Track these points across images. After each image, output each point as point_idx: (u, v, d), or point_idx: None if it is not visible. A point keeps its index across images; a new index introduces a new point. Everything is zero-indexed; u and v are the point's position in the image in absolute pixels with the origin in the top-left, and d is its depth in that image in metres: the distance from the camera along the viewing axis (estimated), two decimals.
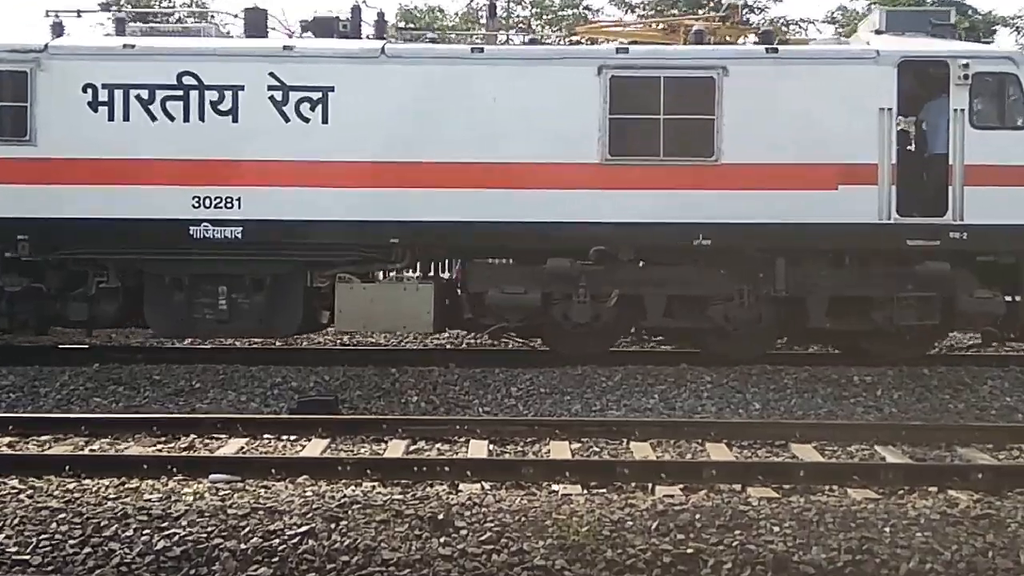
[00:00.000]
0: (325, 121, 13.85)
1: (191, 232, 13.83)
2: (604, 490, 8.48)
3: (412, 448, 10.04)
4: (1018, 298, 14.06)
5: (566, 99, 13.86)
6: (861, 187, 13.83)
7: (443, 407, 11.92)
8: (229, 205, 13.84)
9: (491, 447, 10.05)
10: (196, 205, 13.83)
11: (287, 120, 13.85)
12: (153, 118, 13.84)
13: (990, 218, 13.81)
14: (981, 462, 9.12)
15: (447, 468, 8.88)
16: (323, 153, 13.82)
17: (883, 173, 13.80)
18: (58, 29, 14.59)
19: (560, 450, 9.96)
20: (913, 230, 13.87)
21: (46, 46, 13.92)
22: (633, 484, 8.60)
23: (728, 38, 15.07)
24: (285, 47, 14.01)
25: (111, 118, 13.83)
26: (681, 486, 8.47)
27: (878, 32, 14.70)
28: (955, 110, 13.85)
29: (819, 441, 10.16)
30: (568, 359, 13.90)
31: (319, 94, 13.85)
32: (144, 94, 13.83)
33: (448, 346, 16.33)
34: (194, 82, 13.85)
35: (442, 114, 13.84)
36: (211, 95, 13.86)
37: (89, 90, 13.83)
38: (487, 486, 8.56)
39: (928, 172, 14.04)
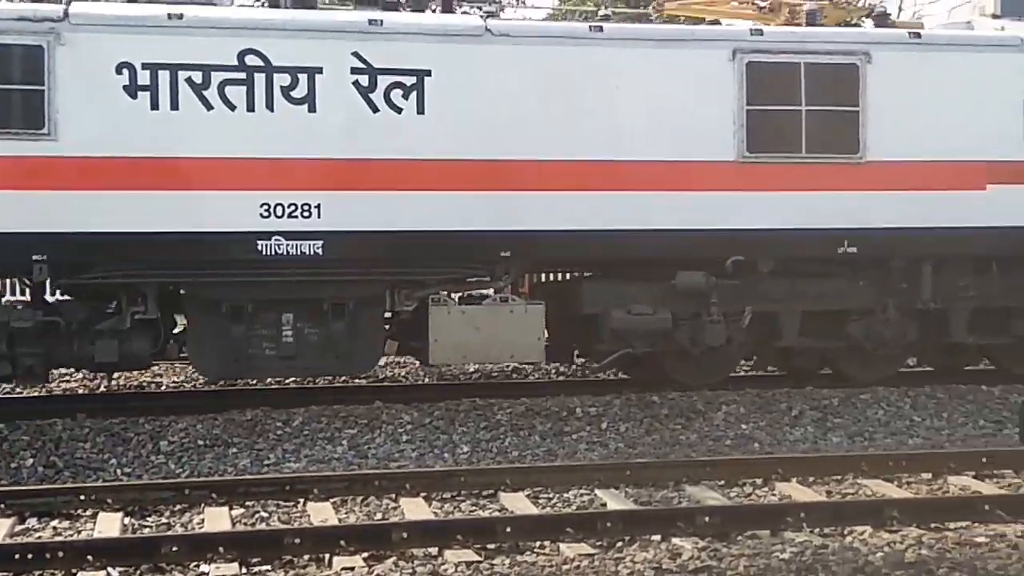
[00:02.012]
0: (421, 111, 11.72)
1: (259, 247, 11.42)
2: (268, 568, 7.10)
3: (19, 528, 8.10)
4: None
5: (697, 87, 12.25)
6: (1010, 187, 12.84)
7: (68, 471, 9.83)
8: (307, 214, 11.51)
9: (127, 521, 8.25)
10: (265, 214, 11.44)
11: (375, 110, 11.65)
12: (209, 107, 11.32)
13: None
14: (710, 503, 8.38)
15: (61, 553, 7.06)
16: (419, 150, 11.70)
17: None
18: None
19: (217, 519, 8.26)
20: None
21: (66, 13, 11.16)
22: (306, 557, 7.23)
23: (837, 20, 13.79)
24: (371, 21, 11.74)
25: (154, 107, 11.22)
26: (365, 555, 7.19)
27: (995, 16, 13.77)
28: None
29: (533, 488, 8.99)
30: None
31: (413, 79, 11.71)
32: (197, 77, 11.30)
33: (82, 390, 13.51)
34: (260, 63, 11.43)
35: (556, 105, 11.96)
36: (281, 79, 11.48)
37: (125, 71, 11.19)
38: (115, 574, 6.96)
39: None
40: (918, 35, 12.91)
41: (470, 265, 12.03)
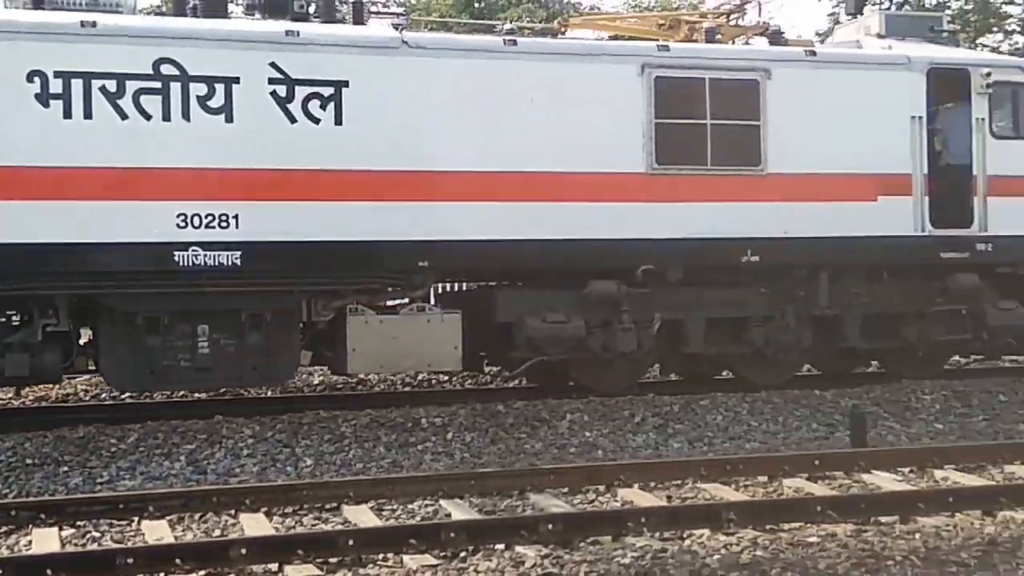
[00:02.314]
0: (339, 122, 11.81)
1: (176, 258, 11.34)
2: None
3: None
4: None
5: (608, 101, 12.62)
6: (898, 198, 13.54)
7: None
8: (224, 224, 11.48)
9: None
10: (182, 225, 11.36)
11: (293, 120, 11.69)
12: (124, 116, 11.22)
13: (1011, 229, 13.93)
14: (554, 510, 8.42)
15: None
16: (337, 160, 11.78)
17: (917, 183, 13.59)
18: None
19: (45, 540, 7.87)
20: (945, 242, 13.74)
21: None
22: None
23: (732, 38, 14.33)
24: (288, 32, 11.79)
25: (67, 115, 11.07)
26: (202, 573, 7.05)
27: (880, 36, 14.51)
28: (977, 119, 13.89)
29: (377, 500, 8.87)
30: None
31: (331, 90, 11.79)
32: (111, 85, 11.18)
33: None
34: (176, 72, 11.37)
35: (472, 116, 12.19)
36: (198, 88, 11.44)
37: (36, 79, 11.01)
38: None
39: (954, 183, 13.94)
40: (813, 53, 13.57)
41: (388, 275, 12.14)
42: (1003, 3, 29.77)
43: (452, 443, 10.93)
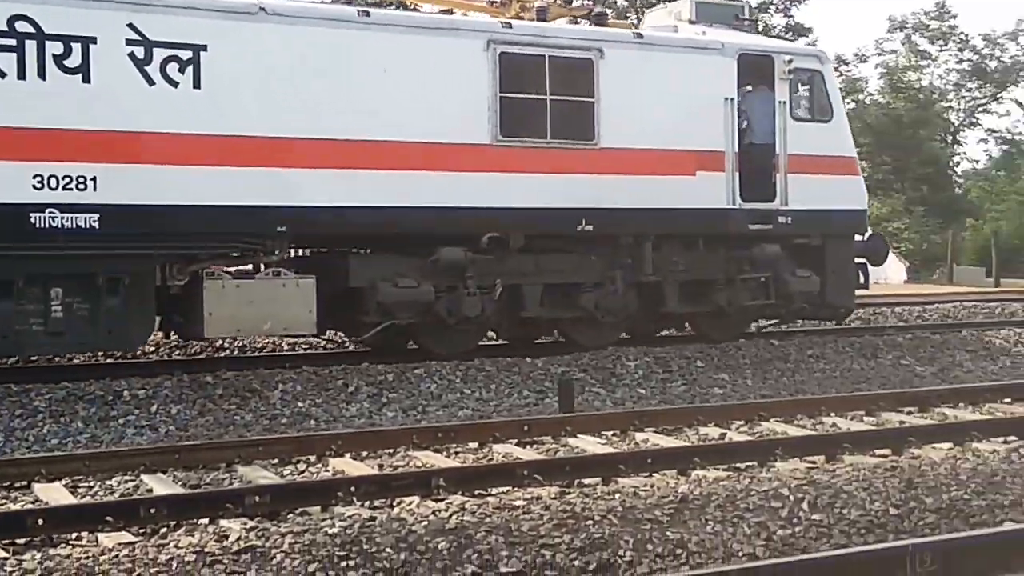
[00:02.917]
0: (197, 86, 11.88)
1: (32, 220, 11.16)
2: None
3: None
4: (818, 276, 15.76)
5: (456, 74, 13.19)
6: (714, 173, 14.74)
7: None
8: (82, 186, 11.37)
9: None
10: (39, 186, 11.19)
11: (152, 83, 11.68)
12: None
13: (806, 204, 15.39)
14: (261, 482, 8.24)
15: None
16: (196, 125, 11.86)
17: (729, 160, 14.83)
18: None
19: None
20: (753, 215, 15.06)
21: None
22: None
23: (559, 17, 15.14)
24: None
25: None
26: None
27: (691, 22, 15.68)
28: (779, 102, 15.26)
29: (72, 477, 8.44)
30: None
31: (189, 53, 11.85)
32: None
33: None
34: (31, 29, 11.16)
35: (327, 85, 12.50)
36: (54, 47, 11.26)
37: None
38: None
39: (760, 161, 15.26)
40: (640, 36, 14.55)
41: (246, 240, 12.31)
42: None
43: (157, 416, 10.61)
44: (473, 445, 9.70)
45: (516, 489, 8.03)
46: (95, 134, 11.44)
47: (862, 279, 16.23)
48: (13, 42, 11.08)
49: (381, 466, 9.01)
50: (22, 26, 11.12)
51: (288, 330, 13.03)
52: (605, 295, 14.35)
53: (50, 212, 11.21)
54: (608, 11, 15.24)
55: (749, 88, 15.23)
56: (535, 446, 9.78)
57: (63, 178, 11.27)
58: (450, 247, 13.24)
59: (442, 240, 13.24)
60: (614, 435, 10.20)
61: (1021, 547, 5.85)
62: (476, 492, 7.98)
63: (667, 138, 14.39)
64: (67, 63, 11.32)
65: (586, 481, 8.31)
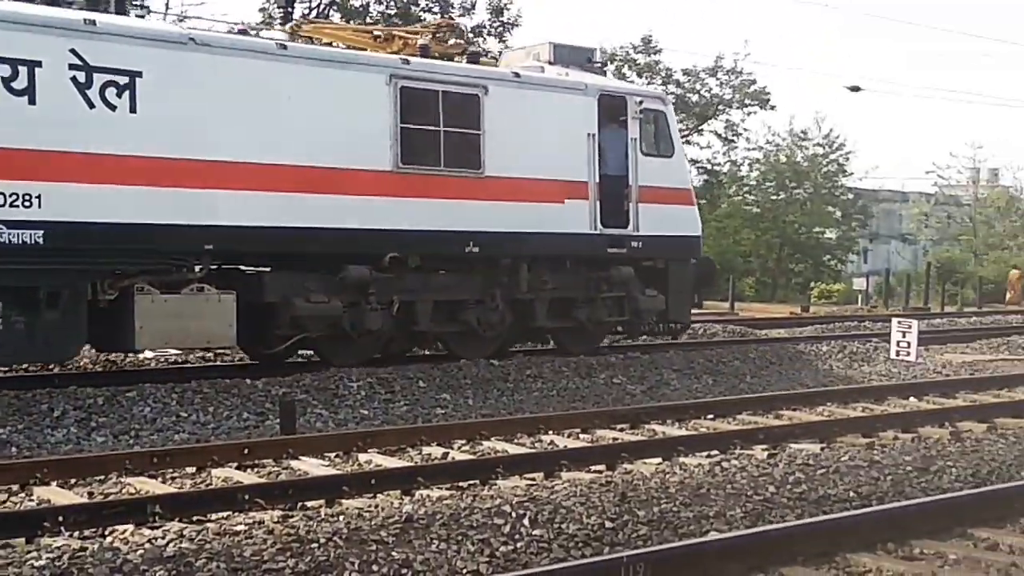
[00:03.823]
0: (133, 110, 12.67)
1: None
2: None
3: None
4: (663, 295, 17.79)
5: (362, 104, 14.42)
6: (579, 202, 16.51)
7: None
8: (28, 203, 11.97)
9: None
10: None
11: (92, 106, 12.40)
12: None
13: (653, 230, 17.37)
14: None
15: None
16: (131, 147, 12.64)
17: (592, 190, 16.64)
18: None
19: None
20: (611, 239, 16.89)
21: None
22: None
23: (441, 55, 16.53)
24: (86, 20, 12.46)
25: None
26: None
27: (550, 63, 17.44)
28: (631, 139, 17.21)
29: None
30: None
31: (126, 79, 12.63)
32: None
33: None
34: None
35: (247, 111, 13.50)
36: (2, 69, 11.85)
37: None
38: None
39: (616, 191, 17.12)
40: (518, 75, 16.16)
41: (174, 257, 13.12)
42: (422, 11, 34.11)
43: None
44: (191, 470, 9.55)
45: (237, 514, 7.94)
46: (40, 153, 12.06)
47: (696, 298, 18.36)
48: None
49: (91, 494, 8.78)
50: None
51: (210, 343, 13.87)
52: (486, 311, 15.83)
53: None
54: (481, 51, 16.70)
55: (608, 125, 17.08)
56: (256, 469, 9.68)
57: (10, 195, 11.84)
58: (356, 266, 14.40)
59: (349, 259, 14.39)
60: (337, 456, 10.21)
61: (725, 555, 6.22)
62: (195, 518, 7.84)
63: (541, 168, 16.04)
64: (15, 85, 11.92)
65: (310, 504, 8.28)
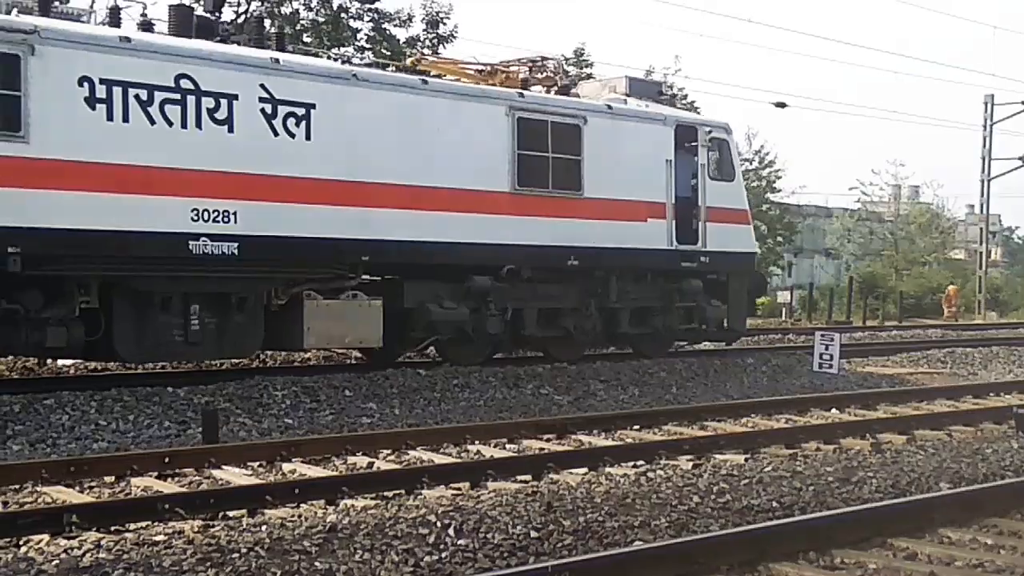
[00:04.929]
0: (308, 137, 14.69)
1: (190, 247, 13.65)
2: None
3: None
4: (725, 305, 20.07)
5: (486, 133, 16.53)
6: (659, 220, 18.74)
7: None
8: (226, 219, 13.95)
9: None
10: (195, 218, 13.69)
11: (276, 134, 14.41)
12: (152, 121, 13.38)
13: (718, 246, 19.65)
14: None
15: None
16: (307, 170, 14.65)
17: (669, 210, 18.87)
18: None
19: None
20: (684, 255, 19.14)
21: (35, 28, 12.60)
22: None
23: (540, 87, 18.67)
24: (272, 59, 14.50)
25: (109, 118, 13.05)
26: None
27: (626, 95, 19.67)
28: (701, 165, 19.48)
29: None
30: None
31: (303, 110, 14.65)
32: (143, 94, 13.30)
33: None
34: (191, 86, 13.69)
35: (396, 139, 15.55)
36: (208, 102, 13.83)
37: (85, 84, 12.90)
38: None
39: (688, 211, 19.37)
40: (611, 107, 18.36)
41: (339, 267, 15.15)
42: (351, 19, 34.79)
43: None
44: (110, 479, 9.51)
45: (157, 524, 7.92)
46: (236, 176, 14.05)
47: (751, 309, 20.66)
48: (178, 96, 13.58)
49: (6, 503, 8.73)
50: (185, 83, 13.63)
51: (362, 343, 15.88)
52: (581, 318, 17.99)
53: (203, 240, 13.73)
54: (570, 84, 18.93)
55: (681, 153, 19.32)
56: (177, 479, 9.70)
57: (214, 212, 13.81)
58: (480, 276, 16.50)
59: (473, 270, 16.48)
60: (261, 466, 10.22)
61: (649, 564, 6.27)
62: (113, 528, 7.77)
63: (629, 190, 18.25)
64: (217, 115, 13.90)
65: (232, 513, 8.26)
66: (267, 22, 31.66)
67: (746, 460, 10.68)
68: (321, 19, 33.86)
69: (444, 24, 35.10)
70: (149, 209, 13.33)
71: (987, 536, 7.51)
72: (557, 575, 5.87)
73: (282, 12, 33.73)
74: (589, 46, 65.85)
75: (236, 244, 13.99)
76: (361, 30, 34.51)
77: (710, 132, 19.53)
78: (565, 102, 17.97)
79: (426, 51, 34.00)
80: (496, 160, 16.62)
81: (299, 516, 7.98)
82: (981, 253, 46.65)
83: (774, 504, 8.15)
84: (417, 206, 15.71)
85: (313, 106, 14.73)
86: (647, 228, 18.54)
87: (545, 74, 19.03)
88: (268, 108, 14.35)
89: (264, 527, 7.35)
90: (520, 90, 17.52)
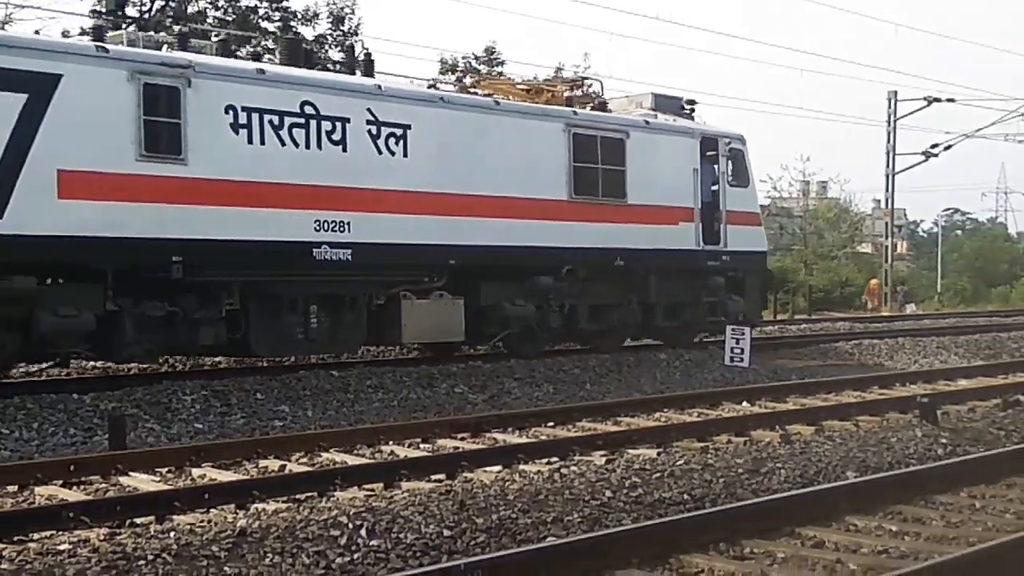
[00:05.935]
0: (405, 155, 16.76)
1: (314, 254, 15.65)
2: None
3: None
4: (742, 300, 22.47)
5: (546, 147, 18.70)
6: (688, 224, 21.06)
7: None
8: (342, 229, 15.95)
9: None
10: (317, 228, 15.69)
11: (380, 152, 16.46)
12: (283, 143, 15.37)
13: (736, 246, 22.03)
14: None
15: None
16: (405, 184, 16.71)
17: (696, 214, 21.20)
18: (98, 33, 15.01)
19: None
20: (709, 254, 21.48)
21: (191, 64, 14.54)
22: None
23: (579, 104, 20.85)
24: (377, 86, 16.55)
25: (250, 141, 15.03)
26: None
27: (652, 109, 21.95)
28: (721, 173, 21.83)
29: None
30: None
31: (401, 131, 16.71)
32: (275, 119, 15.30)
33: None
34: (313, 111, 15.70)
35: (475, 154, 17.66)
36: (326, 125, 15.84)
37: (231, 112, 14.86)
38: None
39: (711, 215, 21.70)
40: (648, 122, 20.63)
41: (430, 270, 17.22)
42: (260, 19, 36.03)
43: None
44: (12, 488, 9.46)
45: (61, 533, 7.86)
46: (349, 190, 16.08)
47: (764, 302, 23.08)
48: (303, 120, 15.58)
49: None
50: (308, 109, 15.64)
51: (446, 338, 17.94)
52: (624, 312, 20.24)
53: (324, 247, 15.75)
54: (606, 101, 21.23)
55: (705, 162, 21.63)
56: (83, 487, 9.63)
57: (332, 222, 15.82)
58: (543, 276, 18.67)
59: (537, 271, 18.63)
60: (170, 472, 10.23)
61: (561, 560, 6.40)
62: (15, 538, 7.73)
63: (664, 197, 20.54)
64: (333, 137, 15.91)
65: (139, 520, 8.26)
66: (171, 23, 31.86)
67: (658, 454, 10.79)
68: (229, 18, 34.40)
69: (348, 20, 35.86)
70: (282, 221, 15.31)
71: (892, 523, 7.74)
72: (469, 573, 5.93)
73: (187, 11, 34.05)
74: (501, 46, 66.91)
75: (349, 251, 16.01)
76: (268, 29, 35.21)
77: (729, 143, 21.88)
78: (611, 118, 20.21)
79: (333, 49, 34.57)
80: (556, 172, 18.79)
81: (208, 521, 8.02)
82: (887, 247, 47.55)
83: (685, 497, 8.35)
84: (494, 214, 17.83)
85: (409, 127, 16.78)
86: (679, 231, 20.83)
87: (583, 91, 21.22)
88: (373, 129, 16.39)
89: (172, 533, 7.35)
90: (574, 109, 19.70)
